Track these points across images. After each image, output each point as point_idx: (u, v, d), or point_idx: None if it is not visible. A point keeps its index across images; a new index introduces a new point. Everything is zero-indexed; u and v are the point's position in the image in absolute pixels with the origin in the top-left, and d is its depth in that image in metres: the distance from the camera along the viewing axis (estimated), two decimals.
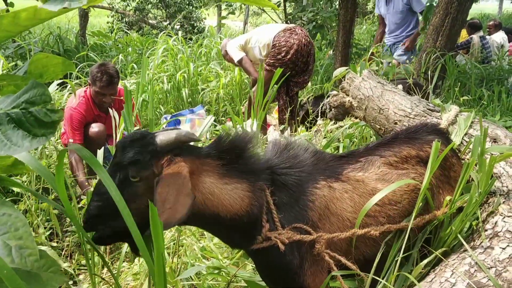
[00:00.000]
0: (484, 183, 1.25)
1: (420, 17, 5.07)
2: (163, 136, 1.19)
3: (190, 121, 4.82)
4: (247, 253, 1.46)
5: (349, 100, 1.88)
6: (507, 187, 1.35)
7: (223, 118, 5.43)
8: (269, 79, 3.99)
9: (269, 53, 3.97)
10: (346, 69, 4.09)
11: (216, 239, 2.11)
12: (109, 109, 2.68)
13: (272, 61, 3.90)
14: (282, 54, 3.85)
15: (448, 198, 1.38)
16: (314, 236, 1.27)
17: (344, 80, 2.00)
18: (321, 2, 6.92)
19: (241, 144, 1.32)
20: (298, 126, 4.10)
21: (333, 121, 2.71)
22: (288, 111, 4.14)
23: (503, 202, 1.32)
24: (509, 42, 9.15)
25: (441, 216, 1.37)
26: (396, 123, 1.68)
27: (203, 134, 4.39)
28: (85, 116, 3.42)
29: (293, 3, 8.28)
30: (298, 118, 4.15)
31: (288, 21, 7.52)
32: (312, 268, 1.32)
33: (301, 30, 3.97)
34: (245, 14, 11.91)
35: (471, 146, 1.49)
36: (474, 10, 18.34)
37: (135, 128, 2.75)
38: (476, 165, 1.34)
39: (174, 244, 2.15)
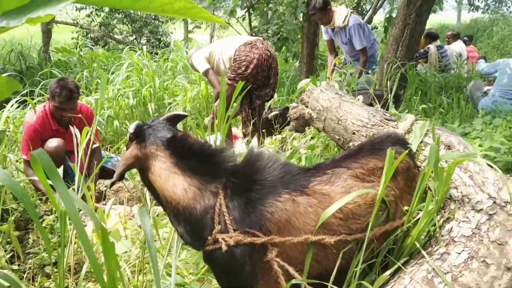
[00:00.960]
0: (440, 191, 1.28)
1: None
2: (131, 127, 1.53)
3: None
4: (203, 258, 1.46)
5: (308, 112, 1.90)
6: (461, 193, 1.39)
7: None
8: (230, 93, 4.00)
9: (230, 67, 3.99)
10: (310, 81, 4.17)
11: (182, 255, 2.08)
12: (70, 126, 2.63)
13: (233, 75, 3.92)
14: (243, 69, 3.87)
15: (405, 208, 1.40)
16: (265, 239, 1.27)
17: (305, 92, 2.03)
18: (285, 15, 7.01)
19: (205, 147, 1.47)
20: (264, 138, 4.12)
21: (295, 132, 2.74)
22: (251, 123, 4.17)
23: (459, 208, 1.35)
24: (467, 45, 9.50)
25: (401, 225, 1.38)
26: (354, 133, 1.71)
27: None
28: (40, 132, 3.35)
29: (258, 16, 8.36)
30: (263, 131, 4.17)
31: (253, 34, 7.58)
32: (266, 277, 1.30)
33: (262, 44, 4.00)
34: (211, 27, 11.96)
35: (425, 154, 1.53)
36: (434, 21, 18.95)
37: (95, 145, 2.71)
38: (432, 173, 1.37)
39: (139, 261, 2.12)
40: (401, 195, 1.44)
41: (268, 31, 7.14)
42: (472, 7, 16.67)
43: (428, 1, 4.27)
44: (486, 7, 16.55)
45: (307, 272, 1.31)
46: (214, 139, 4.31)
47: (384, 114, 1.71)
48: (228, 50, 4.05)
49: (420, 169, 1.52)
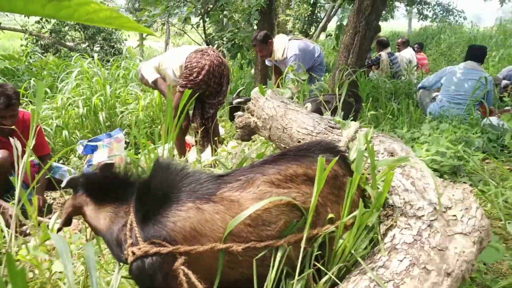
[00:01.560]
0: (378, 198, 1.28)
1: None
2: (63, 183, 1.70)
3: (108, 146, 4.64)
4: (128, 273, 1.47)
5: (254, 121, 1.87)
6: (404, 199, 1.39)
7: (143, 141, 5.27)
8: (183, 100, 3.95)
9: (182, 75, 3.93)
10: (264, 88, 4.16)
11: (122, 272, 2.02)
12: (11, 135, 2.50)
13: (185, 82, 3.86)
14: (194, 75, 3.82)
15: (330, 215, 1.39)
16: (170, 248, 1.28)
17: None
18: (240, 22, 7.01)
19: (113, 175, 1.60)
20: (217, 147, 4.08)
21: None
22: (204, 133, 4.13)
23: (401, 214, 1.36)
24: (418, 53, 9.81)
25: (324, 232, 1.36)
26: (299, 141, 1.70)
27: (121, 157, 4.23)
28: None
29: (213, 23, 8.34)
30: (216, 138, 4.13)
31: (208, 41, 7.54)
32: (177, 286, 1.29)
33: (214, 51, 3.97)
34: (166, 34, 11.82)
35: (369, 161, 1.53)
36: (386, 28, 19.52)
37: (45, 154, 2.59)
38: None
39: (83, 277, 2.03)
40: (325, 202, 1.43)
41: (223, 38, 7.12)
42: (421, 16, 17.31)
43: (377, 10, 4.36)
44: (434, 16, 17.21)
45: (223, 279, 1.32)
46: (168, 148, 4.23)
47: (329, 122, 1.71)
48: (178, 58, 4.00)
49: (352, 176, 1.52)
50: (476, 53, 5.17)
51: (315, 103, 3.29)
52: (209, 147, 4.22)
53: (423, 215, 1.33)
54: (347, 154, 1.54)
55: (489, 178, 2.99)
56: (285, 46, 5.21)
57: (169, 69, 4.08)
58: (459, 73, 5.11)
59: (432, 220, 1.31)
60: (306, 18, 18.60)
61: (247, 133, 1.97)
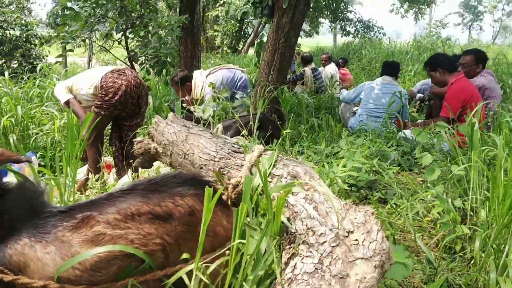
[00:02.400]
0: (267, 225, 1.23)
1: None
2: None
3: (20, 170, 4.32)
4: None
5: (154, 146, 1.78)
6: (306, 225, 1.36)
7: (61, 164, 4.98)
8: (97, 123, 3.78)
9: (97, 95, 3.75)
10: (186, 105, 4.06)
11: None
12: None
13: (100, 102, 3.68)
14: (110, 96, 3.66)
15: (185, 255, 1.30)
16: (12, 277, 1.22)
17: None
18: (164, 38, 6.87)
19: None
20: (137, 170, 3.92)
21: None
22: (122, 156, 3.97)
23: (303, 242, 1.31)
24: (342, 67, 10.14)
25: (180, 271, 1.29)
26: (201, 168, 1.63)
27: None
28: None
29: (135, 40, 8.15)
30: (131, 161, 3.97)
31: (131, 58, 7.33)
32: None
33: (131, 71, 3.83)
34: (89, 50, 11.40)
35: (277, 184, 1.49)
36: (311, 43, 20.15)
37: None
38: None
39: None
40: (177, 241, 1.35)
41: (147, 55, 6.95)
42: (344, 32, 18.07)
43: (295, 28, 4.43)
44: (356, 32, 18.01)
45: None
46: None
47: (232, 146, 1.65)
48: (92, 78, 3.83)
49: (224, 210, 1.46)
50: (391, 69, 5.40)
51: (235, 125, 3.26)
52: (129, 171, 4.06)
53: (325, 241, 1.30)
54: (214, 185, 1.47)
55: (402, 191, 3.08)
56: (202, 85, 5.20)
57: (82, 89, 3.89)
58: (376, 88, 5.31)
59: (333, 247, 1.28)
60: (234, 34, 18.83)
61: (148, 159, 1.87)
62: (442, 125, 2.81)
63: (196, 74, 5.38)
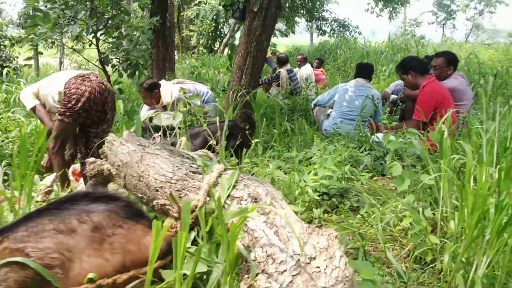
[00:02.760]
0: (228, 255, 1.16)
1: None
2: None
3: None
4: None
5: (107, 168, 1.68)
6: (266, 252, 1.28)
7: (27, 171, 4.81)
8: (62, 130, 3.64)
9: (61, 101, 3.62)
10: (155, 112, 3.96)
11: None
12: None
13: (63, 110, 3.55)
14: (73, 102, 3.52)
15: (90, 275, 1.27)
16: None
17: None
18: (136, 40, 6.70)
19: None
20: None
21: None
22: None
23: (262, 271, 1.24)
24: (317, 68, 10.13)
25: None
26: (157, 190, 1.54)
27: None
28: None
29: (107, 42, 7.97)
30: None
31: (102, 59, 7.15)
32: None
33: (96, 77, 3.69)
34: (60, 52, 11.12)
35: (232, 208, 1.42)
36: (288, 43, 20.12)
37: None
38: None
39: None
40: (81, 257, 1.32)
41: (118, 57, 6.79)
42: (320, 31, 18.11)
43: (267, 31, 4.36)
44: (332, 31, 18.08)
45: None
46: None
47: (190, 166, 1.57)
48: (58, 83, 3.68)
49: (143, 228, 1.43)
50: (364, 71, 5.39)
51: (203, 133, 3.19)
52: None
53: (285, 270, 1.23)
54: (126, 201, 1.45)
55: (373, 198, 3.05)
56: (171, 90, 5.15)
57: (48, 95, 3.75)
58: (350, 90, 5.29)
59: (294, 275, 1.22)
60: (210, 34, 18.68)
61: (101, 182, 1.77)
62: (412, 132, 2.78)
63: (163, 82, 5.32)
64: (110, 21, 6.94)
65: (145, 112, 5.31)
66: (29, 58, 7.39)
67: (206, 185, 1.44)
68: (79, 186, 4.17)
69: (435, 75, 4.81)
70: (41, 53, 7.80)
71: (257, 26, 4.30)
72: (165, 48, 5.98)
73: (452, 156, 2.36)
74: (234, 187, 1.45)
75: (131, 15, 6.44)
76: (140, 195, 1.60)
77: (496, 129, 2.52)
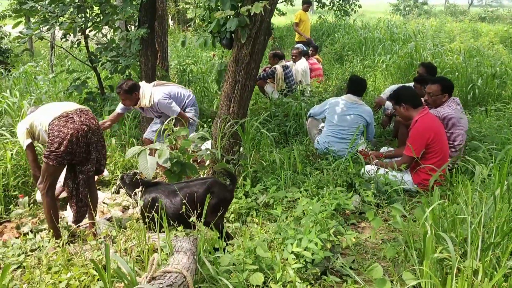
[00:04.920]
0: None
1: None
2: None
3: None
4: None
5: None
6: None
7: (15, 193, 4.79)
8: (48, 173, 3.59)
9: (46, 143, 3.59)
10: (140, 149, 3.86)
11: None
12: None
13: (47, 153, 3.50)
14: (55, 146, 3.46)
15: None
16: None
17: None
18: (122, 48, 6.47)
19: None
20: (94, 212, 3.77)
21: None
22: (75, 198, 3.83)
23: None
24: (312, 56, 9.91)
25: None
26: None
27: None
28: None
29: (94, 43, 7.76)
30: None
31: (92, 58, 6.97)
32: None
33: (80, 116, 3.57)
34: (49, 55, 10.79)
35: None
36: (286, 21, 19.62)
37: None
38: None
39: None
40: None
41: (108, 57, 6.61)
42: (320, 4, 17.55)
43: (256, 59, 4.21)
44: (332, 4, 17.53)
45: None
46: None
47: None
48: (46, 120, 3.62)
49: None
50: (357, 87, 5.27)
51: (183, 191, 3.17)
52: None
53: None
54: None
55: (361, 257, 3.04)
56: (150, 93, 5.05)
57: (41, 130, 3.71)
58: (340, 106, 5.18)
59: None
60: (206, 4, 18.06)
61: None
62: (397, 208, 2.72)
63: (143, 84, 5.22)
64: (98, 19, 6.72)
65: (119, 110, 5.28)
66: (17, 24, 6.93)
67: None
68: (69, 218, 4.15)
69: (430, 102, 4.70)
70: (28, 49, 7.58)
71: (245, 55, 4.15)
72: (154, 57, 5.82)
73: (435, 255, 2.30)
74: None
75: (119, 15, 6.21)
76: None
77: (482, 215, 2.46)
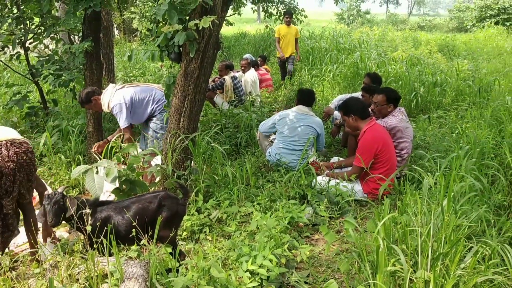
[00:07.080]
0: None
1: None
2: None
3: None
4: None
5: None
6: None
7: None
8: None
9: None
10: (86, 169, 3.70)
11: None
12: None
13: None
14: None
15: None
16: None
17: None
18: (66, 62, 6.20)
19: None
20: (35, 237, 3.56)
21: None
22: (3, 228, 3.58)
23: None
24: (261, 66, 9.96)
25: None
26: None
27: None
28: None
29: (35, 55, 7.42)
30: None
31: (33, 71, 6.65)
32: None
33: (9, 150, 3.29)
34: None
35: None
36: (234, 30, 19.68)
37: None
38: None
39: None
40: None
41: (50, 70, 6.31)
42: (267, 14, 17.73)
43: (205, 73, 4.16)
44: (279, 14, 17.74)
45: None
46: None
47: None
48: None
49: None
50: (307, 98, 5.32)
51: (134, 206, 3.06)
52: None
53: None
54: None
55: (315, 270, 3.04)
56: (109, 97, 4.92)
57: None
58: (291, 118, 5.22)
59: None
60: (153, 17, 17.87)
61: None
62: (350, 222, 2.74)
63: (109, 86, 5.06)
64: (39, 30, 6.44)
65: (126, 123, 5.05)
66: None
67: None
68: None
69: (376, 111, 4.82)
70: None
71: (194, 69, 4.09)
72: (99, 71, 5.63)
73: (388, 268, 2.33)
74: None
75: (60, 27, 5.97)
76: None
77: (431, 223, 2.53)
